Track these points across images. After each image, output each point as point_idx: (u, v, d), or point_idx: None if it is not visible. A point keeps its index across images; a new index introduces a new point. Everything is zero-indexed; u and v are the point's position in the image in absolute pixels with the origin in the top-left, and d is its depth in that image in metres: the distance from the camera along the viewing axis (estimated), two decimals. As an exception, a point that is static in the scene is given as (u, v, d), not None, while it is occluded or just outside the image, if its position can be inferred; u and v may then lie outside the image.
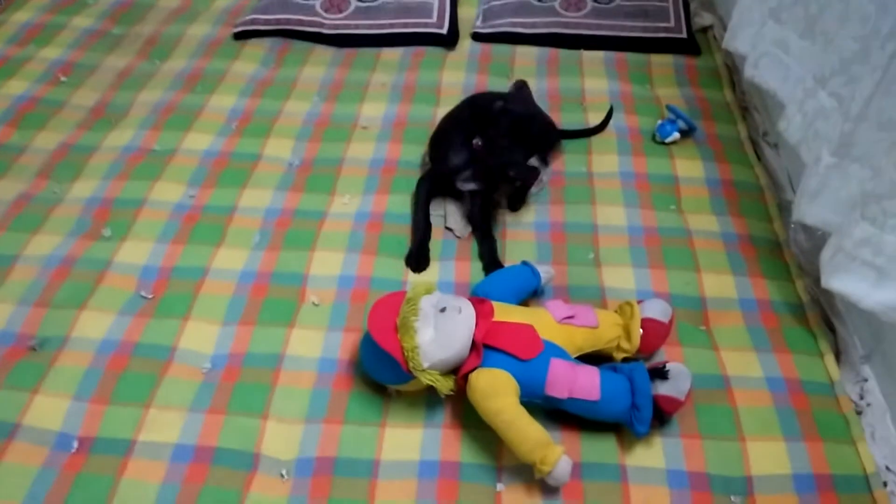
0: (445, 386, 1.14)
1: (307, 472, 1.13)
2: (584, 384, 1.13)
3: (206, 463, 1.13)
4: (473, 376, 1.13)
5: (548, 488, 1.10)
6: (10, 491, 1.09)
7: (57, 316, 1.33)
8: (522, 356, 1.13)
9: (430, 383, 1.13)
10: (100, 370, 1.25)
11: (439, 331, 1.14)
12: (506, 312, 1.20)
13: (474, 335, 1.15)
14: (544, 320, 1.20)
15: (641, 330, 1.22)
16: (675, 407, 1.14)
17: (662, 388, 1.13)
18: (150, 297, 1.37)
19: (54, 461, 1.13)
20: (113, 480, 1.11)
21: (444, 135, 1.63)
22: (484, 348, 1.15)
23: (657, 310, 1.25)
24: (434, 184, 1.58)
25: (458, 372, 1.15)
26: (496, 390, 1.11)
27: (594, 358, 1.21)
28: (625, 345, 1.23)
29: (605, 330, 1.22)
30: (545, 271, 1.36)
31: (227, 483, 1.11)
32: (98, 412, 1.19)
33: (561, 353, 1.16)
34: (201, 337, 1.31)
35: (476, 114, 1.57)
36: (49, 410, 1.19)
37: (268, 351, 1.29)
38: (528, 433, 1.09)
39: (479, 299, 1.21)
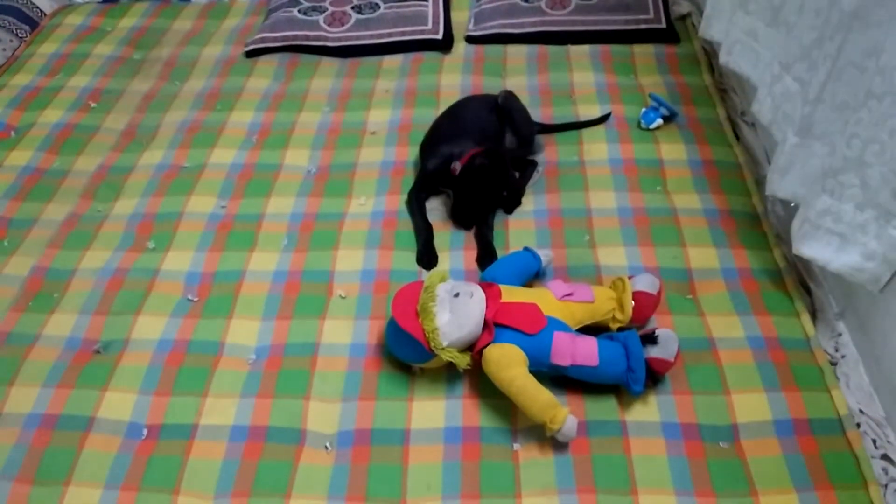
0: (463, 361, 1.29)
1: (348, 443, 1.28)
2: (585, 352, 1.27)
3: (260, 440, 1.29)
4: (487, 351, 1.28)
5: (558, 445, 1.25)
6: (93, 474, 1.26)
7: (116, 321, 1.49)
8: (529, 331, 1.28)
9: (450, 359, 1.28)
10: (159, 366, 1.40)
11: (455, 313, 1.28)
12: (512, 294, 1.35)
13: (485, 315, 1.29)
14: (546, 299, 1.34)
15: (633, 302, 1.36)
16: (665, 367, 1.28)
17: (654, 352, 1.27)
18: (196, 299, 1.52)
19: (128, 447, 1.29)
20: (181, 460, 1.26)
21: (430, 142, 1.77)
22: (495, 326, 1.29)
23: (646, 283, 1.39)
24: (424, 188, 1.71)
25: (474, 348, 1.30)
26: (508, 362, 1.26)
27: (592, 329, 1.35)
28: (619, 316, 1.37)
29: (601, 304, 1.37)
30: (545, 255, 1.50)
31: (280, 456, 1.26)
32: (162, 403, 1.35)
33: (562, 326, 1.30)
34: (245, 332, 1.46)
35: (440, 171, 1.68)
36: (119, 404, 1.35)
37: (304, 340, 1.44)
38: (537, 397, 1.23)
39: (488, 283, 1.36)
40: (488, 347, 1.28)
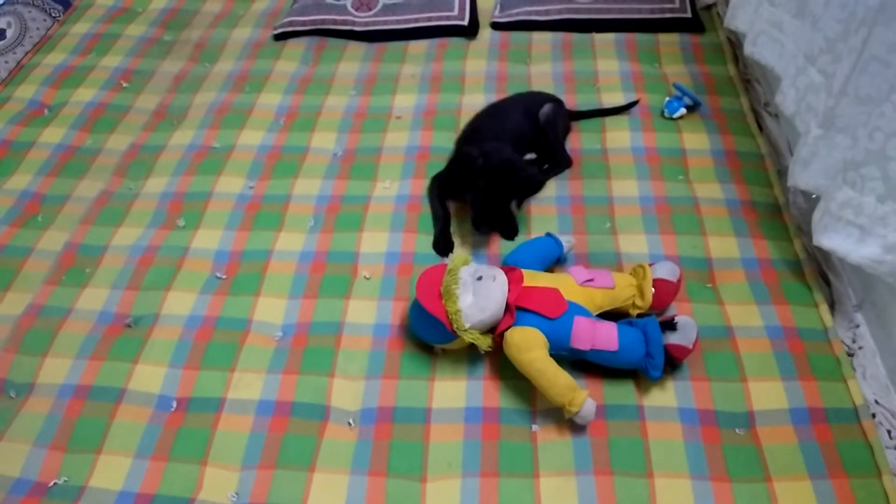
0: (485, 343, 1.32)
1: (371, 420, 1.31)
2: (604, 337, 1.29)
3: (285, 415, 1.32)
4: (508, 334, 1.30)
5: (576, 427, 1.27)
6: (124, 444, 1.30)
7: (147, 297, 1.53)
8: (550, 315, 1.30)
9: (472, 341, 1.30)
10: (189, 341, 1.44)
11: (477, 296, 1.31)
12: (533, 278, 1.37)
13: (507, 298, 1.32)
14: (567, 284, 1.36)
15: (654, 289, 1.38)
16: (684, 354, 1.30)
17: (673, 338, 1.29)
18: (224, 277, 1.56)
19: (158, 419, 1.33)
20: (209, 433, 1.30)
21: (464, 141, 1.74)
22: (516, 310, 1.31)
23: (666, 270, 1.41)
24: (447, 182, 1.69)
25: (495, 330, 1.33)
26: (528, 345, 1.28)
27: (612, 315, 1.37)
28: (639, 302, 1.39)
29: (622, 290, 1.39)
30: (566, 240, 1.52)
31: (305, 431, 1.30)
32: (191, 376, 1.39)
33: (583, 311, 1.33)
34: (272, 310, 1.50)
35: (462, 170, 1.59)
36: (149, 377, 1.39)
37: (329, 319, 1.47)
38: (557, 380, 1.26)
39: (510, 268, 1.38)
40: (510, 330, 1.31)
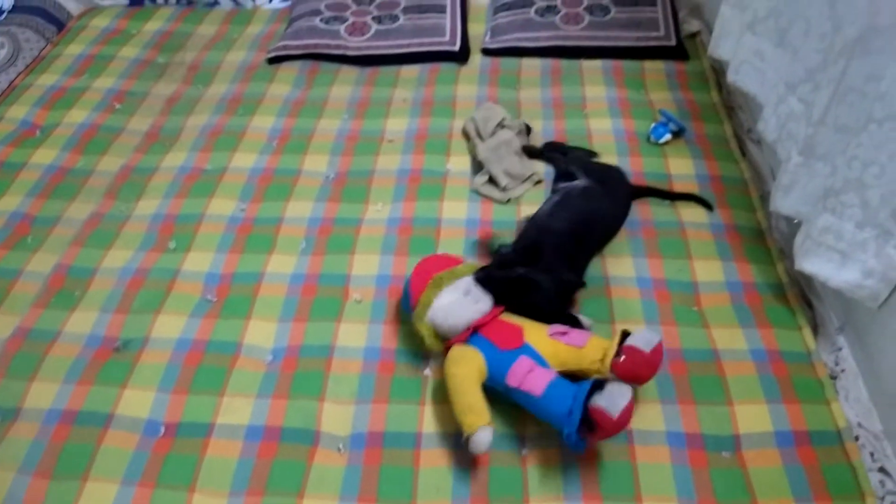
0: (432, 344, 1.37)
1: (360, 445, 1.31)
2: (534, 380, 1.25)
3: (274, 440, 1.32)
4: (452, 348, 1.33)
5: (566, 452, 1.26)
6: (111, 470, 1.29)
7: (136, 320, 1.53)
8: (499, 346, 1.30)
9: (422, 333, 1.35)
10: (178, 365, 1.44)
11: (452, 305, 1.34)
12: (510, 317, 1.37)
13: (473, 322, 1.34)
14: (538, 332, 1.34)
15: (624, 356, 1.24)
16: (606, 422, 1.15)
17: (599, 400, 1.16)
18: (214, 300, 1.56)
19: (145, 444, 1.32)
20: (197, 458, 1.30)
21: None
22: (474, 333, 1.33)
23: (641, 339, 1.25)
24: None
25: (447, 342, 1.36)
26: (461, 359, 1.30)
27: (577, 377, 1.29)
28: (599, 366, 1.27)
29: (590, 351, 1.29)
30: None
31: (294, 456, 1.30)
32: (179, 401, 1.38)
33: (537, 358, 1.29)
34: (262, 333, 1.50)
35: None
36: (137, 401, 1.39)
37: (320, 343, 1.47)
38: (467, 397, 1.24)
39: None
40: (455, 346, 1.33)
